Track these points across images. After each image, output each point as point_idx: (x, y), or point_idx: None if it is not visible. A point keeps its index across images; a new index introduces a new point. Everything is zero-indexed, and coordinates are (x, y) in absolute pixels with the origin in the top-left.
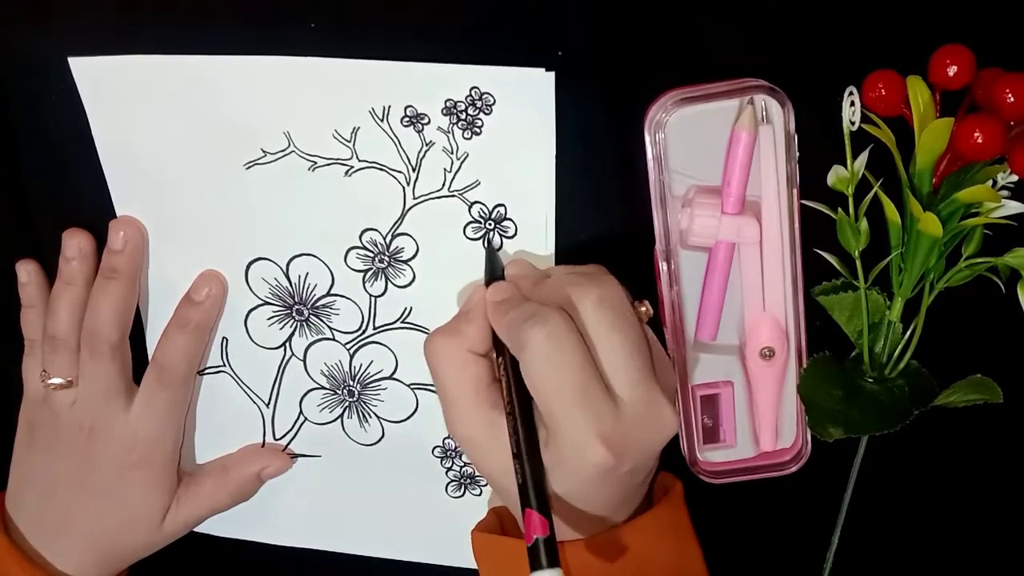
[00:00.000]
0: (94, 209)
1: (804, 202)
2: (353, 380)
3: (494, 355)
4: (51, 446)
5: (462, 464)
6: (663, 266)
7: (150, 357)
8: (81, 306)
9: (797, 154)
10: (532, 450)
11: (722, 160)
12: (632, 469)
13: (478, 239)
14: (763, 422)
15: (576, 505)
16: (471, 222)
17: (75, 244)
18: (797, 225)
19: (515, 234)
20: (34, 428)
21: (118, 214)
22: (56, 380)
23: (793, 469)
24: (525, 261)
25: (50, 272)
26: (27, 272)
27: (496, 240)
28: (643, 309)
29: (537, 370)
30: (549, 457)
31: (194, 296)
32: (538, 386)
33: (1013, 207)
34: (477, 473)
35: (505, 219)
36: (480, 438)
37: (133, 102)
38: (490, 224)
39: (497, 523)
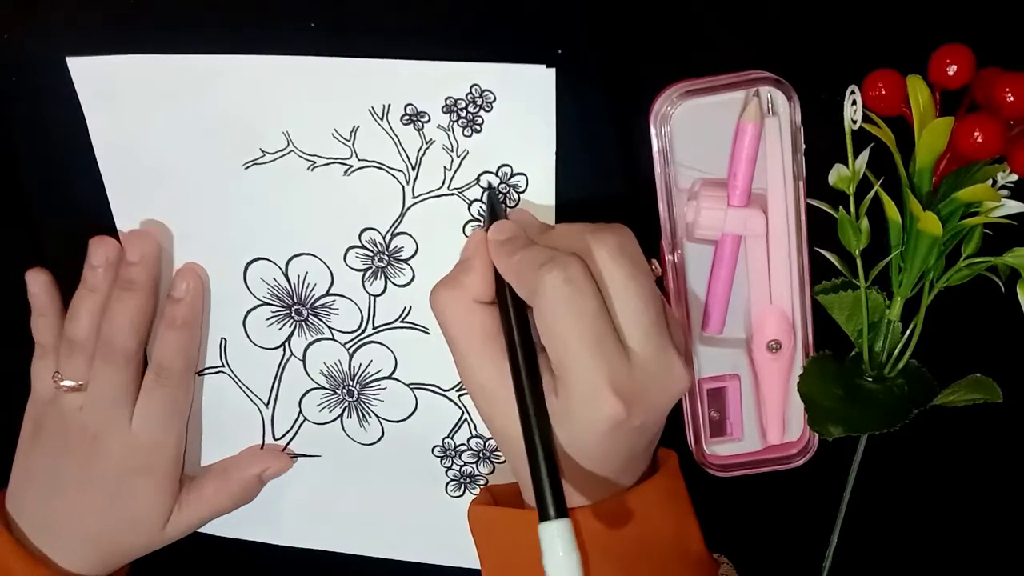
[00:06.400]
0: (93, 209)
1: (807, 200)
2: (352, 380)
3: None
4: (55, 447)
5: (462, 464)
6: (669, 259)
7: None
8: (102, 313)
9: (803, 146)
10: (538, 398)
11: (728, 153)
12: (641, 425)
13: None
14: (770, 415)
15: (581, 464)
16: (471, 220)
17: (102, 253)
18: (803, 218)
19: None
20: (39, 428)
21: (115, 214)
22: (68, 382)
23: (800, 462)
24: (528, 211)
25: (51, 271)
26: (39, 283)
27: (497, 185)
28: (653, 267)
29: (553, 315)
30: (558, 407)
31: (175, 294)
32: (552, 332)
33: (1013, 206)
34: (477, 472)
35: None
36: (492, 386)
37: (131, 102)
38: (497, 181)
39: (491, 501)
